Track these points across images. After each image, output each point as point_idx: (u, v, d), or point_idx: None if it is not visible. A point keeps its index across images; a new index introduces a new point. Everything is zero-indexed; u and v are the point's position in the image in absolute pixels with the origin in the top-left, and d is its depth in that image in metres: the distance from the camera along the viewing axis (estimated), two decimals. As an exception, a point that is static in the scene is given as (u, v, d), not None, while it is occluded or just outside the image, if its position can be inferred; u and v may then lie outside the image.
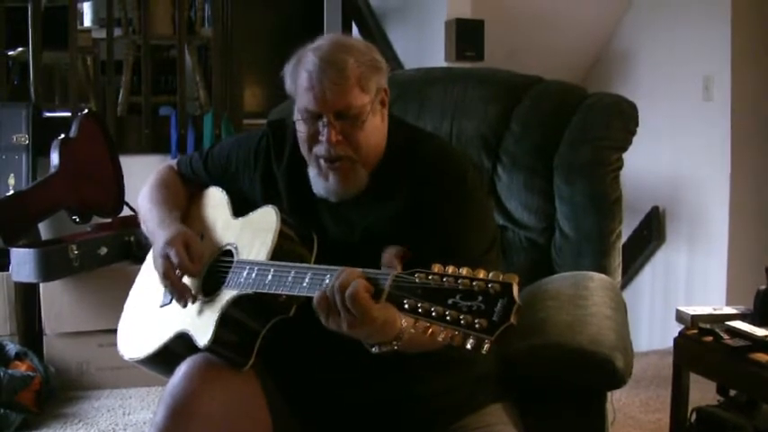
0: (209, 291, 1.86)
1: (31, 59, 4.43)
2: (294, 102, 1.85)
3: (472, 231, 1.81)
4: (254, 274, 1.73)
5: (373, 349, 1.59)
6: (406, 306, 1.41)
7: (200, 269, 1.88)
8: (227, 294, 1.78)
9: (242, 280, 1.75)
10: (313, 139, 1.80)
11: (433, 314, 1.37)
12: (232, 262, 1.84)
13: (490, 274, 1.35)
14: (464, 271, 1.37)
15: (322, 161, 1.81)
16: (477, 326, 1.32)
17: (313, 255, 1.80)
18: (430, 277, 1.40)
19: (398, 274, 1.46)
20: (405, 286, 1.43)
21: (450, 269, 1.39)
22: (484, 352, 1.32)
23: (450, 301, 1.36)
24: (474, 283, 1.35)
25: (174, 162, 2.24)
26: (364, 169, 1.82)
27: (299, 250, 1.80)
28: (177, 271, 1.86)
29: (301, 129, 1.82)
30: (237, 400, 1.77)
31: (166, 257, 1.87)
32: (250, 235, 1.87)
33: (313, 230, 1.85)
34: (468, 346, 1.33)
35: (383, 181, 1.85)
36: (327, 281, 1.56)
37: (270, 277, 1.70)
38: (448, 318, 1.35)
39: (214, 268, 1.90)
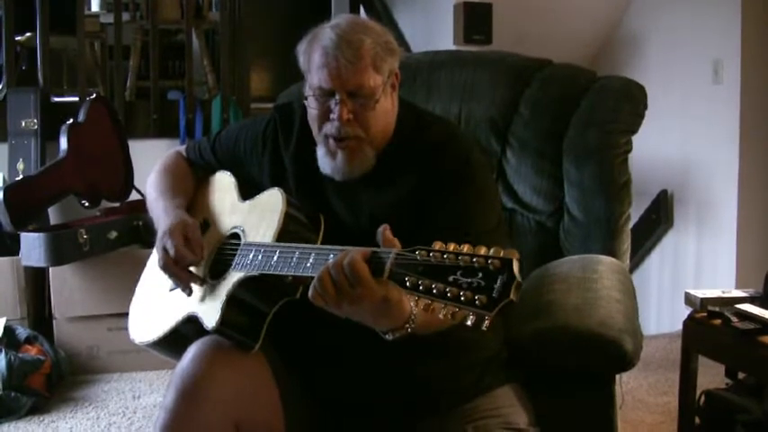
0: (217, 273, 1.86)
1: (38, 44, 4.44)
2: (306, 80, 1.85)
3: (476, 212, 1.82)
4: (260, 256, 1.74)
5: (387, 336, 1.59)
6: (408, 284, 1.41)
7: (200, 258, 1.88)
8: (234, 276, 1.78)
9: (248, 262, 1.76)
10: (324, 117, 1.81)
11: (434, 291, 1.36)
12: (239, 245, 1.84)
13: (491, 251, 1.35)
14: (465, 248, 1.37)
15: (331, 140, 1.81)
16: (477, 302, 1.32)
17: (320, 236, 1.81)
18: (431, 254, 1.39)
19: (400, 252, 1.46)
20: (406, 263, 1.43)
21: (452, 246, 1.38)
22: (484, 328, 1.32)
23: (450, 278, 1.35)
24: (474, 260, 1.34)
25: (182, 148, 2.25)
26: (371, 150, 1.83)
27: (306, 231, 1.81)
28: (176, 262, 1.87)
29: (312, 106, 1.83)
30: (247, 382, 1.78)
31: (164, 249, 1.88)
32: (257, 217, 1.87)
33: (320, 212, 1.86)
34: (469, 323, 1.33)
35: (390, 163, 1.85)
36: (331, 260, 1.56)
37: (275, 259, 1.70)
38: (449, 294, 1.35)
39: (222, 251, 1.91)
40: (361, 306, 1.52)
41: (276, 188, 1.87)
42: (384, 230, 1.51)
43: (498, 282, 1.32)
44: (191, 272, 1.88)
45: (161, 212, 2.00)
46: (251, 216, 1.90)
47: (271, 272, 1.70)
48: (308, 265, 1.62)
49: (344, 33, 1.77)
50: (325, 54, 1.77)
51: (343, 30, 1.78)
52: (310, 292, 1.54)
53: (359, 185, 1.86)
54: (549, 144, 2.39)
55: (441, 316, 1.35)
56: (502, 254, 1.34)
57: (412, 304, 1.52)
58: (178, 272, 1.87)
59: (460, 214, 1.79)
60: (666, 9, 5.10)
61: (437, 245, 1.40)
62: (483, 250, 1.35)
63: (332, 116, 1.79)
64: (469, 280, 1.34)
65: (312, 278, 1.56)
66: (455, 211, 1.79)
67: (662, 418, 3.42)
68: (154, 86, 4.70)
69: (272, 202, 1.84)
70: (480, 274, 1.33)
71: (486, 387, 1.88)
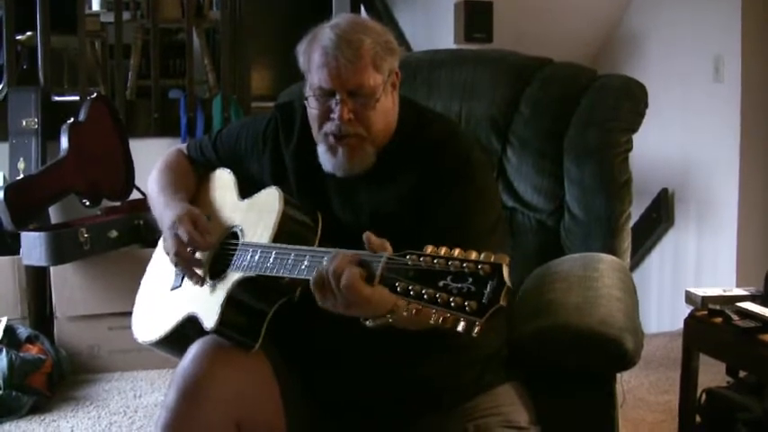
0: (216, 273, 1.86)
1: (39, 43, 4.43)
2: (306, 80, 1.85)
3: (475, 211, 1.82)
4: (257, 257, 1.74)
5: (367, 323, 1.58)
6: (398, 289, 1.41)
7: (210, 243, 1.89)
8: (233, 277, 1.79)
9: (246, 262, 1.76)
10: (324, 116, 1.81)
11: (425, 296, 1.36)
12: (238, 244, 1.85)
13: (481, 256, 1.34)
14: (456, 252, 1.37)
15: (331, 137, 1.82)
16: (467, 308, 1.32)
17: (317, 235, 1.81)
18: (421, 259, 1.39)
19: (391, 257, 1.46)
20: (397, 268, 1.43)
21: (443, 250, 1.38)
22: (474, 335, 1.32)
23: (440, 283, 1.35)
24: (464, 265, 1.34)
25: (183, 146, 2.25)
26: (372, 148, 1.83)
27: (304, 231, 1.81)
28: (188, 248, 1.87)
29: (313, 105, 1.83)
30: (248, 381, 1.78)
31: (175, 236, 1.87)
32: (255, 217, 1.88)
33: (320, 211, 1.86)
34: (459, 329, 1.32)
35: (391, 162, 1.85)
36: (325, 263, 1.56)
37: (272, 260, 1.70)
38: (439, 300, 1.34)
39: (221, 251, 1.91)
40: (357, 310, 1.53)
41: (274, 187, 1.87)
42: (368, 238, 1.51)
43: (488, 287, 1.32)
44: (198, 259, 1.88)
45: (163, 207, 2.01)
46: (249, 215, 1.91)
47: (267, 273, 1.70)
48: (303, 267, 1.62)
49: (344, 33, 1.77)
50: (325, 54, 1.77)
51: (343, 29, 1.78)
52: (312, 285, 1.55)
53: (359, 183, 1.87)
54: (550, 143, 2.39)
55: (431, 321, 1.35)
56: (492, 259, 1.33)
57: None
58: (189, 259, 1.87)
59: (460, 213, 1.79)
60: (666, 7, 5.10)
61: (428, 249, 1.40)
62: (473, 255, 1.35)
63: (332, 116, 1.79)
64: (460, 285, 1.34)
65: (308, 280, 1.56)
66: (455, 210, 1.79)
67: (663, 417, 3.42)
68: (155, 85, 4.70)
69: (270, 201, 1.84)
70: (470, 280, 1.33)
71: (486, 385, 1.88)
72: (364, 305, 1.50)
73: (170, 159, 2.19)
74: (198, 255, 1.89)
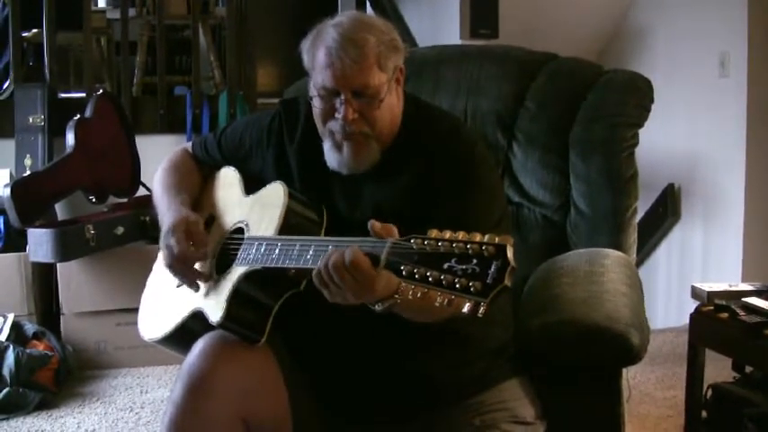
0: (222, 268, 1.87)
1: (45, 41, 4.44)
2: (310, 77, 1.85)
3: (478, 207, 1.81)
4: (262, 250, 1.74)
5: (376, 307, 1.59)
6: (404, 272, 1.41)
7: (204, 254, 1.89)
8: (238, 271, 1.79)
9: (251, 256, 1.76)
10: (329, 115, 1.81)
11: (430, 279, 1.36)
12: (243, 238, 1.85)
13: (485, 237, 1.35)
14: (460, 235, 1.37)
15: (336, 134, 1.81)
16: (471, 289, 1.32)
17: (323, 228, 1.82)
18: (426, 242, 1.40)
19: (395, 241, 1.46)
20: (401, 252, 1.43)
21: (447, 234, 1.39)
22: (480, 315, 1.32)
23: (445, 266, 1.35)
24: (469, 246, 1.34)
25: (188, 145, 2.26)
26: (377, 145, 1.83)
27: (308, 224, 1.82)
28: (181, 260, 1.87)
29: (317, 105, 1.83)
30: (254, 376, 1.78)
31: (168, 247, 1.88)
32: (259, 211, 1.88)
33: (324, 205, 1.86)
34: (465, 310, 1.33)
35: (395, 158, 1.85)
36: (330, 251, 1.56)
37: (277, 252, 1.70)
38: (444, 282, 1.35)
39: (227, 246, 1.91)
40: (364, 296, 1.53)
41: (278, 182, 1.88)
42: (372, 225, 1.51)
43: (492, 267, 1.32)
44: (196, 269, 1.89)
45: (165, 209, 2.02)
46: (254, 210, 1.91)
47: (272, 265, 1.70)
48: (309, 257, 1.62)
49: (348, 32, 1.77)
50: (329, 54, 1.76)
51: (346, 29, 1.77)
52: (315, 281, 1.56)
53: (363, 179, 1.87)
54: (556, 138, 2.38)
55: (437, 304, 1.35)
56: (496, 240, 1.34)
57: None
58: (184, 269, 1.88)
59: (462, 210, 1.78)
60: (672, 2, 5.09)
61: (433, 233, 1.40)
62: (478, 237, 1.36)
63: (337, 115, 1.79)
64: (464, 267, 1.34)
65: (314, 270, 1.57)
66: (457, 206, 1.79)
67: (669, 412, 3.42)
68: (161, 82, 4.71)
69: (274, 195, 1.85)
70: (475, 261, 1.34)
71: (492, 380, 1.88)
72: (369, 290, 1.50)
73: (175, 159, 2.19)
74: (197, 265, 1.90)
